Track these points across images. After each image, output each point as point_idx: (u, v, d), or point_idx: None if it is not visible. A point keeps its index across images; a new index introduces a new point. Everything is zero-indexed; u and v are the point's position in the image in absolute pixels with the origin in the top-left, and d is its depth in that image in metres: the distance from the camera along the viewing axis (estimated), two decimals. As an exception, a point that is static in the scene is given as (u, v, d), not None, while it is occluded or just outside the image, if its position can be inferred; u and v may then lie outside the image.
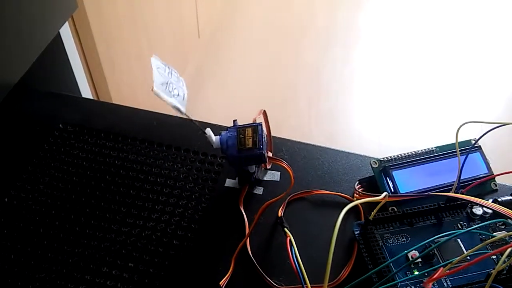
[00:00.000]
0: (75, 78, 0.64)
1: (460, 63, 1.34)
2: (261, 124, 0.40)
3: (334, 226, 0.28)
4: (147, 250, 0.39)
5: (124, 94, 0.86)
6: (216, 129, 0.41)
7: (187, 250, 0.39)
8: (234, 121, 0.41)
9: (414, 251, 0.37)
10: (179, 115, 0.38)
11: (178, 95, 0.38)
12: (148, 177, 0.44)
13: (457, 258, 0.33)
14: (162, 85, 0.37)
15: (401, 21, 1.47)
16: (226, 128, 0.40)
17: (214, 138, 0.40)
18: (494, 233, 0.38)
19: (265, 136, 0.40)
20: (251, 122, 0.41)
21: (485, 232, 0.38)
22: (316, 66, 1.34)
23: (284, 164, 0.40)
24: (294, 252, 0.33)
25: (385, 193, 0.33)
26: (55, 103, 0.51)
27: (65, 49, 0.61)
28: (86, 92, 0.67)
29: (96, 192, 0.43)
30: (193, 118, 0.39)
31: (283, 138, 0.48)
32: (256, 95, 1.23)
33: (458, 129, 0.36)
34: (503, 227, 0.39)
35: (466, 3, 1.51)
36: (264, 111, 0.41)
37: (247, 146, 0.39)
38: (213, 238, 0.40)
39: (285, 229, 0.36)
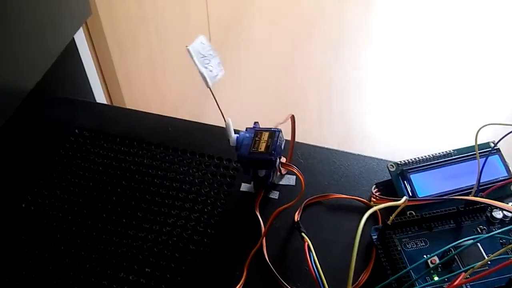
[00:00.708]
0: (89, 83, 0.64)
1: (474, 64, 1.32)
2: (280, 131, 0.40)
3: (356, 232, 0.28)
4: (163, 255, 0.39)
5: (137, 99, 0.87)
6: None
7: (204, 255, 0.39)
8: (255, 123, 0.41)
9: (434, 256, 0.36)
10: (204, 85, 0.38)
11: (211, 71, 0.38)
12: (163, 182, 0.44)
13: (479, 263, 0.33)
14: (198, 53, 0.38)
15: (412, 22, 1.45)
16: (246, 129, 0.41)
17: (233, 135, 0.40)
18: (516, 238, 0.37)
19: (282, 142, 0.40)
20: (274, 126, 0.41)
21: (506, 237, 0.37)
22: (326, 68, 1.33)
23: (295, 170, 0.40)
24: (313, 258, 0.33)
25: (404, 198, 0.33)
26: (70, 108, 0.51)
27: (79, 55, 0.62)
28: (100, 97, 0.67)
29: (112, 197, 0.43)
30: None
31: (298, 142, 0.47)
32: (266, 97, 1.22)
33: (478, 131, 0.36)
34: (524, 231, 0.38)
35: (479, 5, 1.50)
36: (293, 116, 0.41)
37: (259, 150, 0.39)
38: (229, 243, 0.40)
39: (303, 234, 0.36)
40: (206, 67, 0.38)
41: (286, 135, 0.44)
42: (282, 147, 0.41)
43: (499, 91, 1.25)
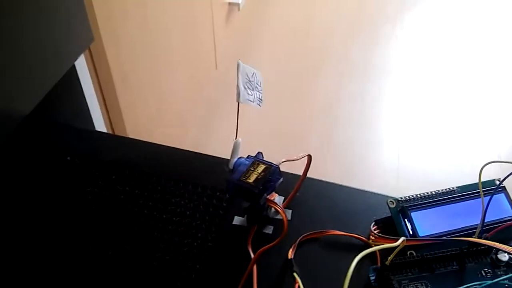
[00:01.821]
0: (89, 111, 0.64)
1: (480, 97, 1.31)
2: (277, 168, 0.39)
3: (347, 273, 0.26)
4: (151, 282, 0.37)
5: (139, 129, 0.86)
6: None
7: (191, 293, 0.37)
8: (259, 153, 0.41)
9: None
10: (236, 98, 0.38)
11: (249, 94, 0.39)
12: (153, 212, 0.42)
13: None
14: (245, 74, 0.39)
15: (415, 59, 1.45)
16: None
17: (235, 158, 0.39)
18: (523, 283, 0.35)
19: (278, 181, 0.39)
20: (286, 159, 0.41)
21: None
22: (331, 99, 1.32)
23: (279, 209, 0.38)
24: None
25: (402, 239, 0.31)
26: (63, 135, 0.50)
27: (80, 82, 0.62)
28: (100, 125, 0.67)
29: (99, 227, 0.41)
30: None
31: (296, 174, 0.46)
32: (271, 128, 1.21)
33: (482, 168, 0.34)
34: (532, 276, 0.36)
35: (480, 36, 1.49)
36: (309, 156, 0.41)
37: (247, 180, 0.38)
38: (218, 280, 0.38)
39: (294, 273, 0.34)
40: (245, 87, 0.39)
41: (298, 169, 0.43)
42: (276, 184, 0.39)
43: (506, 126, 1.23)
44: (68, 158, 0.47)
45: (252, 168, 0.39)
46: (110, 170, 0.46)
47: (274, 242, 0.38)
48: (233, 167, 0.39)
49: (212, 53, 1.33)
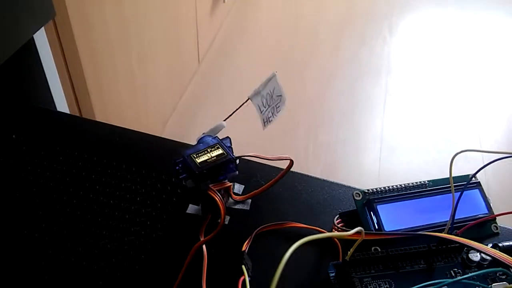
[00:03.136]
0: (50, 91, 0.60)
1: (464, 98, 1.29)
2: (233, 160, 0.36)
3: (280, 260, 0.23)
4: (85, 283, 0.33)
5: (109, 112, 0.82)
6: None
7: (132, 286, 0.33)
8: (227, 137, 0.38)
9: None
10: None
11: (264, 105, 0.39)
12: (99, 198, 0.39)
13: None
14: (272, 87, 0.39)
15: (404, 56, 1.44)
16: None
17: (205, 135, 0.38)
18: (493, 284, 0.32)
19: (231, 173, 0.36)
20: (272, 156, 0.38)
21: (481, 285, 0.32)
22: (317, 97, 1.30)
23: (217, 199, 0.35)
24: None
25: (359, 228, 0.28)
26: (10, 112, 0.46)
27: (40, 61, 0.58)
28: (62, 107, 0.63)
29: (39, 211, 0.37)
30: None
31: (261, 163, 0.43)
32: (255, 125, 1.18)
33: (453, 158, 0.31)
34: (503, 277, 0.33)
35: (463, 42, 1.48)
36: (291, 161, 0.38)
37: (196, 159, 0.35)
38: (164, 272, 0.34)
39: (243, 266, 0.31)
40: (264, 97, 0.39)
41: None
42: (228, 175, 0.36)
43: (490, 125, 1.22)
44: (14, 136, 0.43)
45: (209, 149, 0.36)
46: (57, 150, 0.42)
47: (208, 237, 0.34)
48: (197, 141, 0.37)
49: (195, 46, 1.30)
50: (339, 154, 1.16)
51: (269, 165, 0.43)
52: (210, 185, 0.35)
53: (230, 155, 0.36)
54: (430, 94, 1.31)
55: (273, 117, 0.40)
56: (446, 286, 0.30)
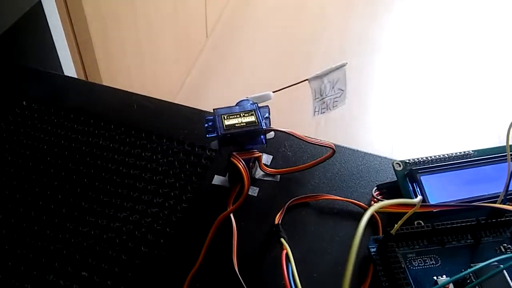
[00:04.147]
0: (58, 55, 0.57)
1: (479, 69, 1.26)
2: (262, 132, 0.33)
3: (353, 241, 0.20)
4: (107, 256, 0.31)
5: (117, 78, 0.79)
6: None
7: (157, 260, 0.31)
8: (267, 106, 0.35)
9: (445, 278, 0.29)
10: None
11: (322, 92, 0.36)
12: (120, 168, 0.36)
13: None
14: (337, 78, 0.36)
15: (415, 30, 1.40)
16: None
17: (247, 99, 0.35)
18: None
19: (257, 145, 0.33)
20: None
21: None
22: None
23: (240, 166, 0.31)
24: (291, 270, 0.25)
25: (420, 198, 0.25)
26: (20, 77, 0.43)
27: (47, 23, 0.55)
28: (70, 72, 0.60)
29: (54, 182, 0.35)
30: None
31: (287, 133, 0.40)
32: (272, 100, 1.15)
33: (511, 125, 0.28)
34: None
35: (478, 13, 1.44)
36: (334, 150, 0.36)
37: (225, 120, 0.33)
38: (191, 247, 0.32)
39: (282, 239, 0.28)
40: (325, 84, 0.36)
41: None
42: (253, 147, 0.33)
43: (505, 106, 1.18)
44: (24, 103, 0.40)
45: (242, 114, 0.33)
46: (71, 117, 0.39)
47: (233, 207, 0.32)
48: (236, 103, 0.35)
49: (203, 21, 1.26)
50: (351, 130, 1.13)
51: (295, 135, 0.40)
52: (235, 153, 0.32)
53: (261, 125, 0.33)
54: (441, 70, 1.27)
55: (327, 109, 0.37)
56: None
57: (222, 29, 1.37)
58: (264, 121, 0.33)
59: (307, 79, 0.36)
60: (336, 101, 0.37)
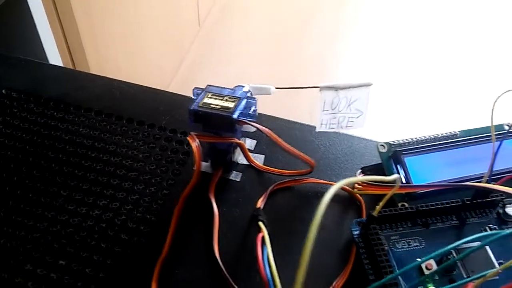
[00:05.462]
0: (42, 44, 0.56)
1: (470, 56, 1.25)
2: (233, 121, 0.31)
3: (316, 214, 0.19)
4: (86, 244, 0.30)
5: (105, 67, 0.78)
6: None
7: (137, 247, 0.30)
8: (254, 98, 0.33)
9: (430, 260, 0.28)
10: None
11: (330, 120, 0.33)
12: (99, 155, 0.35)
13: (490, 272, 0.25)
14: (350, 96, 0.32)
15: (408, 15, 1.38)
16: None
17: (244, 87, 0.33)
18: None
19: (227, 133, 0.32)
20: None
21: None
22: (319, 59, 1.25)
23: (194, 146, 0.30)
24: (267, 253, 0.24)
25: (396, 176, 0.25)
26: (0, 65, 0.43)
27: (30, 11, 0.54)
28: (55, 61, 0.59)
29: (33, 170, 0.34)
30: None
31: (271, 116, 0.39)
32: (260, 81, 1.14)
33: (496, 100, 0.27)
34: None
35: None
36: (311, 170, 0.34)
37: (204, 99, 0.32)
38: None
39: (260, 222, 0.28)
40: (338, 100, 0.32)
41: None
42: (222, 133, 0.32)
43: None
44: (3, 91, 0.40)
45: (227, 98, 0.32)
46: (51, 105, 0.39)
47: (190, 185, 0.31)
48: (232, 88, 0.33)
49: (195, 9, 1.24)
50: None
51: (281, 118, 0.39)
52: (193, 133, 0.31)
53: (233, 113, 0.31)
54: (430, 50, 1.26)
55: (338, 127, 0.33)
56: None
57: (215, 18, 1.36)
58: (242, 111, 0.31)
59: (318, 86, 0.32)
60: (351, 121, 0.33)
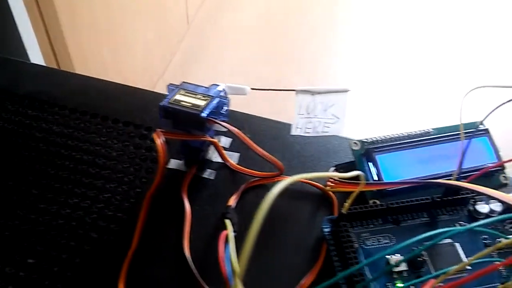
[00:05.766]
0: (22, 43, 0.55)
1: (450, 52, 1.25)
2: (203, 119, 0.30)
3: (262, 204, 0.19)
4: (55, 243, 0.30)
5: (90, 66, 0.77)
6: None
7: (107, 245, 0.30)
8: (226, 97, 0.33)
9: (397, 255, 0.28)
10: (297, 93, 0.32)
11: (305, 124, 0.32)
12: (72, 153, 0.35)
13: (454, 267, 0.25)
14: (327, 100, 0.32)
15: (407, 12, 1.39)
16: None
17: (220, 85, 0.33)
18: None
19: (196, 131, 0.31)
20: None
21: (492, 232, 0.29)
22: (309, 58, 1.25)
23: (158, 142, 0.30)
24: (229, 252, 0.24)
25: (358, 172, 0.25)
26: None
27: (11, 12, 0.53)
28: (37, 59, 0.58)
29: (5, 168, 0.34)
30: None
31: (248, 114, 0.39)
32: (248, 73, 1.14)
33: (465, 96, 0.27)
34: (515, 228, 0.30)
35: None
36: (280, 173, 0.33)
37: (175, 95, 0.31)
38: (143, 232, 0.31)
39: (226, 220, 0.28)
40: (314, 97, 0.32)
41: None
42: (192, 132, 0.32)
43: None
44: (-23, 89, 0.39)
45: (199, 96, 0.31)
46: (25, 103, 0.38)
47: (154, 184, 0.31)
48: (207, 87, 0.33)
49: (183, 6, 1.24)
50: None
51: (257, 116, 0.39)
52: (160, 129, 0.30)
53: (202, 112, 0.30)
54: (406, 48, 1.27)
55: (314, 132, 0.33)
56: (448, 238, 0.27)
57: (203, 15, 1.36)
58: (213, 110, 0.31)
59: (294, 90, 0.32)
60: (327, 126, 0.33)
